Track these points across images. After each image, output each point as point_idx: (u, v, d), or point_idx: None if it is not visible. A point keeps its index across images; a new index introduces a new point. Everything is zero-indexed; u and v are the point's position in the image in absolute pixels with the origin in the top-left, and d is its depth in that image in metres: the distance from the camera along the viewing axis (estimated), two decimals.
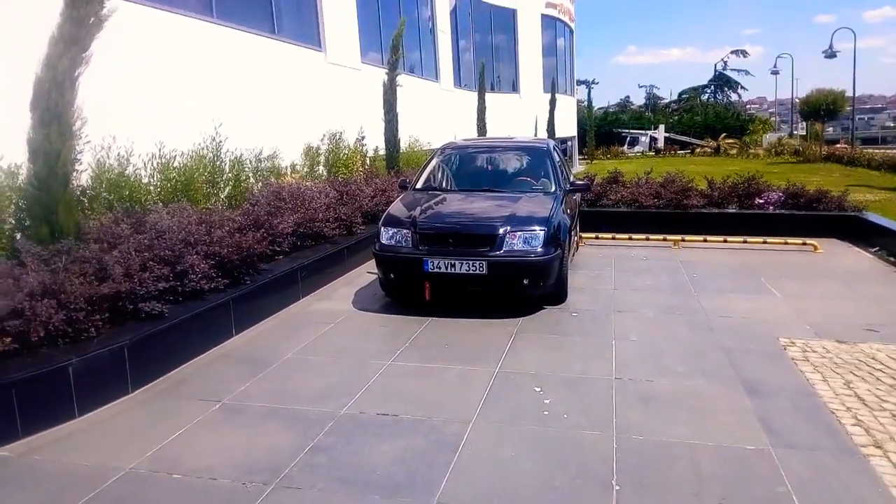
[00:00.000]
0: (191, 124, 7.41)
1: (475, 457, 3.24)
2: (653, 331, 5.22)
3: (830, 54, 31.74)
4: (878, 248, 8.21)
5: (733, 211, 9.70)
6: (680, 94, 65.16)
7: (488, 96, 19.47)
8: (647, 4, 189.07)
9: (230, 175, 7.84)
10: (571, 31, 32.14)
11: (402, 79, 12.41)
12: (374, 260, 6.11)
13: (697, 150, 43.02)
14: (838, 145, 37.05)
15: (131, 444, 3.37)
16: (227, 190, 7.79)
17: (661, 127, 48.13)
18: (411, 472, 3.09)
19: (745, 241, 8.63)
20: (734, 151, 39.48)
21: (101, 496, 2.93)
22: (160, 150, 6.75)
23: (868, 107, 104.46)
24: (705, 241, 8.85)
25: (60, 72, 4.74)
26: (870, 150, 32.70)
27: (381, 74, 12.25)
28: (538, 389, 4.06)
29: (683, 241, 8.89)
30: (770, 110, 78.06)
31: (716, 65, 66.34)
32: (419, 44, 17.63)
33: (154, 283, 4.39)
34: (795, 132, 40.19)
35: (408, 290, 5.90)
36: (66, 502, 2.87)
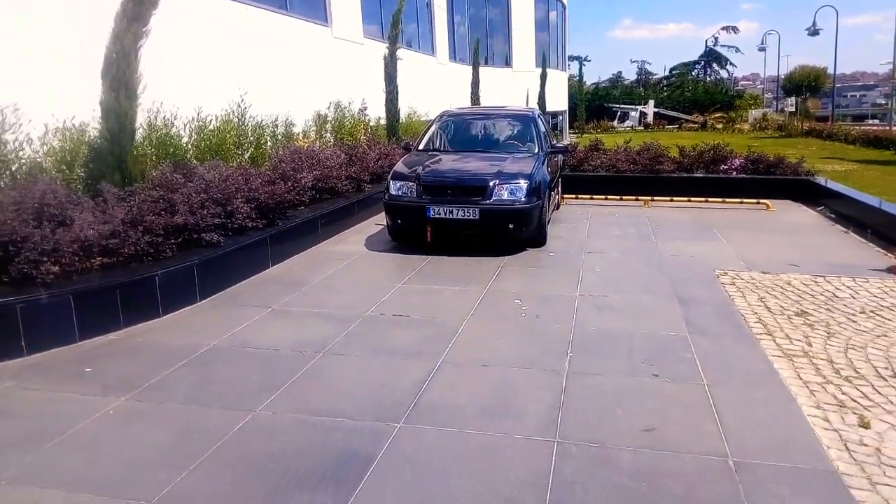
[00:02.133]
0: (221, 92, 8.39)
1: (468, 339, 4.37)
2: (614, 266, 6.35)
3: (813, 32, 32.66)
4: (822, 207, 9.36)
5: (700, 175, 10.79)
6: (671, 70, 66.01)
7: (482, 70, 20.37)
8: None
9: (252, 138, 8.85)
10: (564, 8, 32.86)
11: (401, 53, 13.34)
12: (382, 211, 7.19)
13: (685, 124, 44.02)
14: (817, 122, 38.11)
15: (209, 332, 4.48)
16: (249, 151, 8.81)
17: (651, 102, 49.07)
18: (422, 346, 4.21)
19: (706, 201, 9.78)
20: (720, 126, 40.54)
21: (195, 360, 4.03)
22: (198, 114, 7.76)
23: (860, 84, 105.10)
24: (672, 201, 9.98)
25: (126, 44, 5.73)
26: (847, 126, 33.78)
27: (381, 48, 13.18)
28: (518, 301, 5.19)
29: (653, 200, 10.01)
30: (762, 86, 78.96)
31: (707, 41, 67.08)
32: (416, 19, 18.47)
33: (211, 219, 5.46)
34: (785, 108, 41.24)
35: (412, 234, 6.98)
36: (169, 364, 3.96)
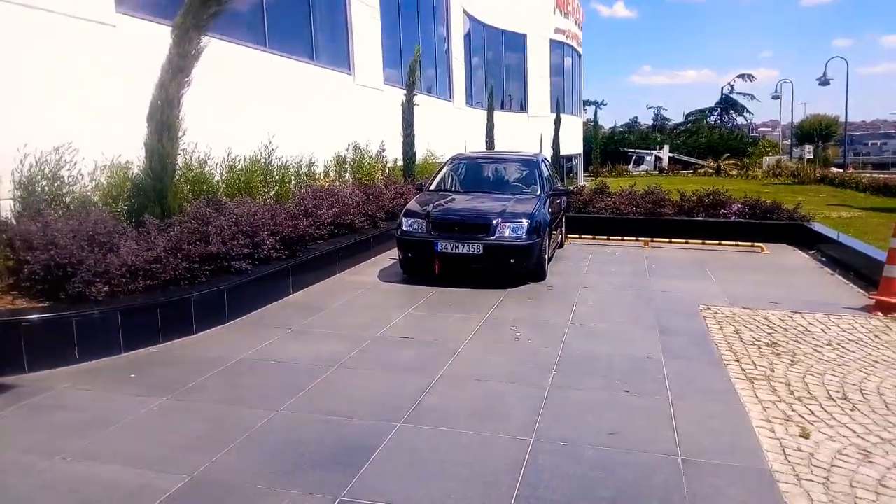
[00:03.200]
0: (250, 135, 9.17)
1: (466, 358, 4.91)
2: (607, 299, 6.88)
3: (824, 82, 33.39)
4: (814, 251, 9.82)
5: (700, 219, 11.31)
6: (686, 116, 66.96)
7: (497, 114, 21.22)
8: (664, 25, 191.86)
9: (277, 177, 9.58)
10: (579, 56, 34.01)
11: (419, 98, 14.16)
12: (395, 245, 7.81)
13: (699, 170, 44.54)
14: (833, 168, 38.49)
15: (237, 347, 5.06)
16: (275, 189, 9.53)
17: (666, 147, 49.81)
18: (424, 363, 4.76)
19: (703, 243, 10.29)
20: (734, 172, 40.99)
21: (225, 370, 4.61)
22: (228, 154, 8.50)
23: (881, 132, 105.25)
24: (671, 242, 10.51)
25: (170, 93, 6.47)
26: (858, 174, 34.10)
27: (400, 94, 14.01)
28: (514, 328, 5.73)
29: (653, 241, 10.55)
30: (779, 133, 79.65)
31: (722, 88, 68.12)
32: (435, 65, 19.45)
33: (240, 249, 6.10)
34: (803, 155, 41.69)
35: (422, 268, 7.57)
36: (203, 372, 4.54)
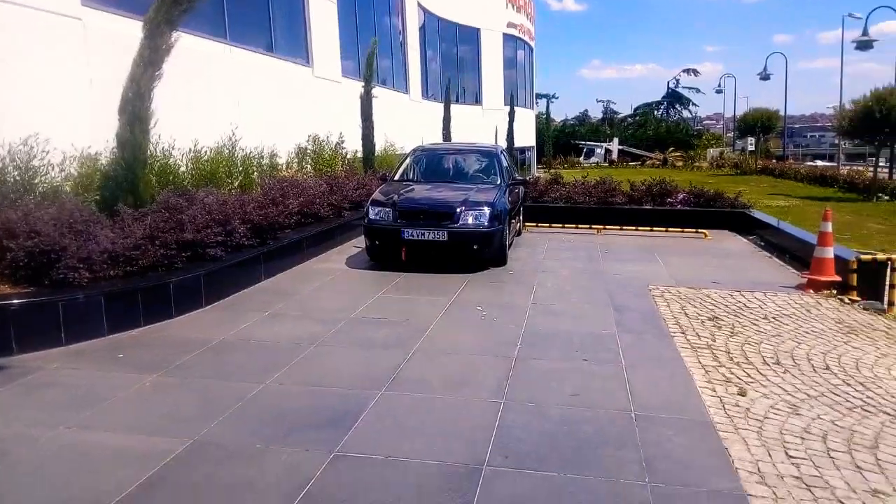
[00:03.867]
0: (213, 127, 9.28)
1: (436, 335, 5.26)
2: (564, 281, 7.33)
3: (765, 76, 34.88)
4: (754, 236, 10.52)
5: (648, 207, 11.92)
6: (635, 110, 68.67)
7: (453, 107, 21.57)
8: (613, 19, 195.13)
9: (241, 168, 9.71)
10: (531, 50, 34.62)
11: (376, 91, 14.38)
12: (361, 235, 8.08)
13: (647, 162, 45.89)
14: (775, 161, 40.21)
15: (218, 329, 5.29)
16: (239, 179, 9.67)
17: (616, 140, 51.12)
18: (398, 340, 5.09)
19: (651, 230, 10.88)
20: (680, 164, 42.44)
21: (209, 349, 4.84)
22: (194, 145, 8.62)
23: (819, 125, 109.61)
24: (622, 229, 11.07)
25: (142, 86, 6.60)
26: (797, 165, 35.74)
27: (358, 87, 14.22)
28: (479, 308, 6.10)
29: (605, 229, 11.09)
30: (723, 126, 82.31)
31: (669, 82, 70.06)
32: (391, 58, 19.66)
33: (214, 237, 6.30)
34: (746, 147, 43.38)
35: (389, 255, 7.86)
36: (188, 351, 4.77)
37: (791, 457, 3.37)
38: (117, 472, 3.07)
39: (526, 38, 32.67)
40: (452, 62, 26.77)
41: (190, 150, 8.57)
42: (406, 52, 20.79)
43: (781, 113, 37.69)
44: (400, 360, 4.63)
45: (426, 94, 22.77)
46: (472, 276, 7.43)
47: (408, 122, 19.52)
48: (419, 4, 22.17)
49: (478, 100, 28.44)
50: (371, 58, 14.13)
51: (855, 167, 30.69)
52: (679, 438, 3.53)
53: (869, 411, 4.01)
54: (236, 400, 3.89)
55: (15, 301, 4.70)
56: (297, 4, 13.40)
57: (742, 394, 4.20)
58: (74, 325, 4.85)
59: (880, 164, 23.36)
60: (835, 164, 34.90)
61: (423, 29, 22.81)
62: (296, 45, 13.24)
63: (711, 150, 44.95)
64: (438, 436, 3.49)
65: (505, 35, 29.78)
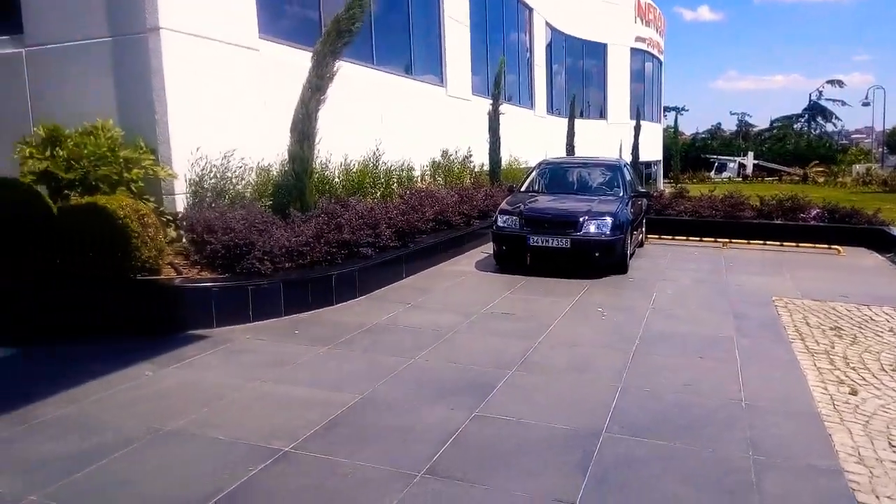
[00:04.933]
0: (360, 143, 10.37)
1: (560, 330, 5.82)
2: (684, 290, 7.62)
3: None
4: (891, 254, 10.15)
5: (779, 223, 11.75)
6: (772, 122, 64.99)
7: (577, 122, 21.93)
8: (750, 28, 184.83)
9: (383, 180, 10.75)
10: (660, 63, 34.12)
11: (503, 108, 15.12)
12: (488, 242, 8.77)
13: (785, 177, 43.45)
14: None
15: (370, 315, 6.17)
16: (381, 190, 10.70)
17: (751, 154, 48.82)
18: (525, 332, 5.71)
19: (781, 245, 10.77)
20: (822, 180, 39.81)
21: (365, 330, 5.70)
22: (345, 159, 9.73)
23: None
24: (749, 244, 11.04)
25: (310, 108, 7.70)
26: None
27: (485, 103, 15.03)
28: (600, 310, 6.59)
29: (731, 243, 11.10)
30: (874, 140, 75.98)
31: (811, 94, 65.76)
32: (518, 75, 20.38)
33: (366, 237, 7.24)
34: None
35: (514, 259, 8.50)
36: (350, 331, 5.65)
37: (893, 446, 3.63)
38: (306, 414, 3.91)
39: (654, 52, 32.29)
40: (578, 77, 27.07)
41: (341, 163, 9.69)
42: (532, 68, 21.44)
43: None
44: (527, 348, 5.25)
45: (551, 108, 23.27)
46: (593, 282, 7.90)
47: (532, 137, 20.12)
48: (547, 23, 22.76)
49: (602, 114, 28.52)
50: (499, 77, 14.90)
51: None
52: (785, 425, 3.89)
53: None
54: (392, 369, 4.68)
55: (215, 285, 5.80)
56: (433, 28, 14.45)
57: (853, 393, 4.44)
58: (259, 306, 5.89)
59: None
60: None
61: (549, 46, 23.37)
62: (431, 67, 14.28)
63: (857, 167, 41.74)
64: (562, 408, 4.08)
65: (633, 49, 29.65)
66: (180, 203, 7.17)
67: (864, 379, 4.72)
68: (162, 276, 5.89)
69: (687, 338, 5.64)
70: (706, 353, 5.23)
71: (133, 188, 6.56)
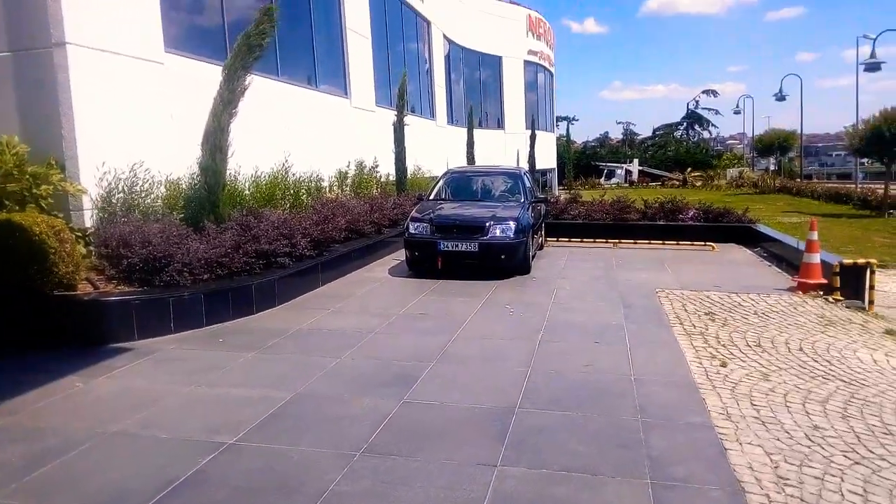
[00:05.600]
0: (268, 155, 10.51)
1: (473, 326, 6.33)
2: (581, 286, 8.36)
3: (780, 97, 35.66)
4: (758, 248, 11.45)
5: (661, 223, 12.90)
6: (654, 131, 69.53)
7: (476, 132, 22.80)
8: (634, 41, 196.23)
9: (293, 191, 10.93)
10: (551, 75, 35.89)
11: (407, 119, 15.62)
12: (399, 249, 9.20)
13: (667, 182, 46.64)
14: (794, 180, 40.77)
15: (293, 322, 6.42)
16: (290, 201, 10.87)
17: (636, 161, 52.02)
18: (441, 329, 6.17)
19: (663, 243, 11.87)
20: (699, 184, 43.10)
21: (290, 336, 5.96)
22: (255, 171, 9.86)
23: (843, 143, 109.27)
24: (636, 243, 12.08)
25: (222, 121, 7.84)
26: (814, 183, 36.29)
27: (389, 114, 15.48)
28: (508, 306, 7.17)
29: (620, 243, 12.11)
30: (747, 145, 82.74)
31: (688, 104, 70.94)
32: (419, 87, 20.96)
33: (283, 248, 7.47)
34: (767, 166, 44.06)
35: (426, 264, 8.96)
36: (274, 337, 5.89)
37: (754, 405, 4.37)
38: (244, 411, 4.17)
39: (546, 65, 33.96)
40: (476, 88, 28.08)
41: (251, 175, 9.81)
42: (432, 80, 22.11)
43: (799, 132, 38.33)
44: (445, 342, 5.71)
45: (451, 119, 24.03)
46: (499, 283, 8.50)
47: (434, 147, 20.75)
48: (445, 36, 23.54)
49: (500, 124, 29.69)
50: (403, 89, 15.39)
51: (871, 185, 31.19)
52: (667, 393, 4.55)
53: (828, 379, 4.97)
54: (321, 368, 5.00)
55: (135, 297, 5.88)
56: (336, 41, 14.73)
57: (723, 365, 5.20)
58: (180, 317, 6.01)
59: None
60: (856, 182, 35.43)
61: (447, 58, 24.16)
62: (336, 79, 14.55)
63: (731, 171, 45.61)
64: (480, 390, 4.56)
65: (526, 62, 31.09)
66: (88, 219, 7.12)
67: (732, 354, 5.51)
68: (79, 292, 5.89)
69: (585, 326, 6.30)
70: (601, 338, 5.89)
71: (43, 204, 6.48)
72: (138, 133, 7.95)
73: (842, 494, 3.24)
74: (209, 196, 7.73)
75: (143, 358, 5.32)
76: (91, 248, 6.84)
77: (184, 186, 8.27)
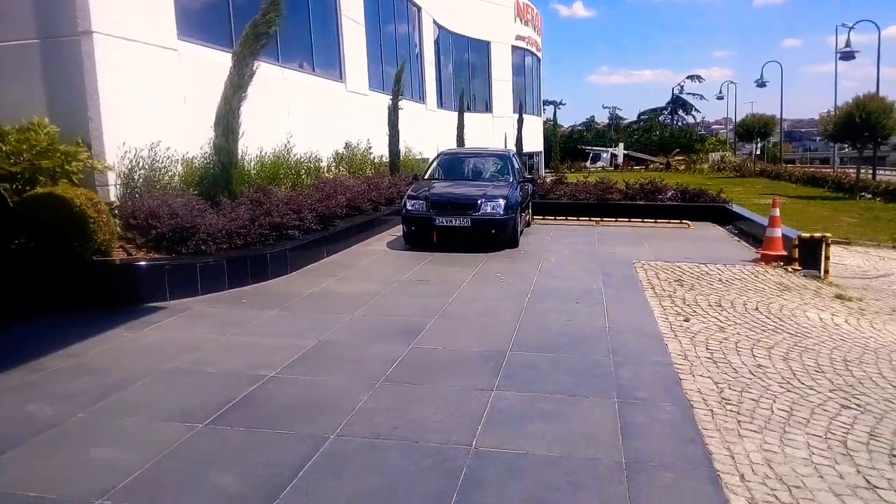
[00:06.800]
0: (271, 136, 11.14)
1: (468, 290, 7.07)
2: (565, 258, 9.13)
3: (761, 84, 36.57)
4: (730, 226, 12.27)
5: (641, 203, 13.68)
6: (639, 115, 70.44)
7: (466, 115, 23.43)
8: (622, 25, 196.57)
9: (294, 171, 11.56)
10: (539, 60, 36.48)
11: (400, 103, 16.23)
12: (396, 225, 9.89)
13: (651, 165, 47.55)
14: (776, 164, 41.84)
15: (305, 286, 7.13)
16: (292, 180, 11.51)
17: (621, 145, 52.85)
18: (440, 292, 6.90)
19: (643, 221, 12.67)
20: (682, 167, 44.08)
21: (304, 298, 6.67)
22: (260, 152, 10.49)
23: (818, 129, 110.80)
24: (617, 221, 12.87)
25: (233, 105, 8.47)
26: (792, 167, 37.33)
27: (381, 98, 16.12)
28: (499, 275, 7.92)
29: (603, 221, 12.89)
30: (731, 130, 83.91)
31: (673, 89, 71.81)
32: (409, 71, 21.48)
33: (293, 221, 8.14)
34: (751, 151, 45.13)
35: (422, 239, 9.68)
36: (291, 299, 6.59)
37: (709, 349, 5.16)
38: (277, 354, 4.89)
39: (533, 50, 34.55)
40: (464, 73, 28.65)
41: (256, 155, 10.44)
42: (422, 64, 22.68)
43: (780, 117, 39.26)
44: (443, 303, 6.45)
45: (440, 103, 24.63)
46: (490, 255, 9.24)
47: (424, 130, 21.37)
48: (434, 21, 24.07)
49: (488, 108, 30.31)
50: (399, 76, 15.99)
51: (846, 169, 32.25)
52: (636, 340, 5.33)
53: (776, 333, 5.76)
54: (337, 323, 5.72)
55: (168, 262, 6.55)
56: (332, 27, 15.29)
57: (686, 320, 5.99)
58: (206, 281, 6.70)
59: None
60: (833, 166, 36.49)
61: (437, 42, 24.70)
62: (331, 64, 15.13)
63: (713, 154, 46.61)
64: (476, 339, 5.31)
65: (513, 47, 31.68)
66: (112, 193, 7.74)
67: (694, 312, 6.30)
68: (114, 258, 6.55)
69: (567, 291, 7.07)
70: (582, 300, 6.66)
71: (75, 180, 7.11)
72: (155, 115, 8.55)
73: (772, 411, 4.03)
74: (223, 174, 8.38)
75: (177, 314, 6.01)
76: (116, 219, 7.48)
77: (196, 165, 8.90)
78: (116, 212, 7.46)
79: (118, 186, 7.82)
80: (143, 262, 6.50)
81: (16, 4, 7.44)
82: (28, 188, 6.90)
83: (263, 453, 3.37)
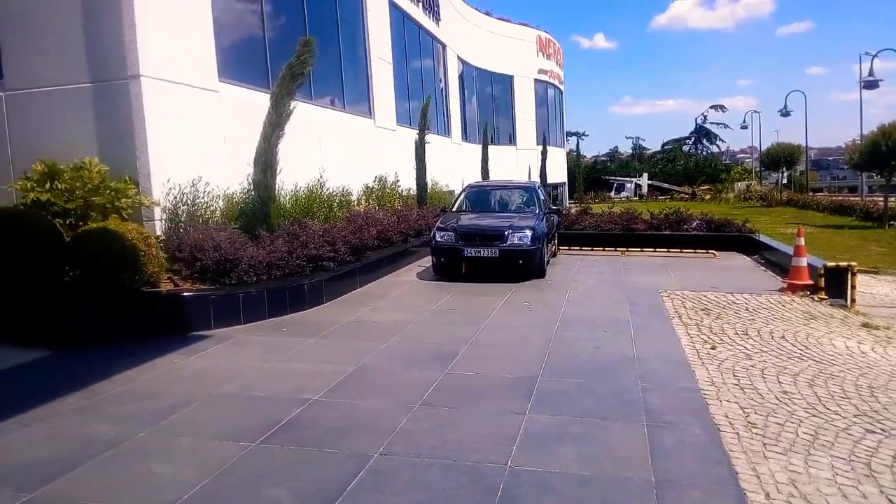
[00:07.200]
0: (305, 171, 11.57)
1: (497, 319, 7.28)
2: (592, 288, 9.31)
3: (785, 113, 36.56)
4: (757, 256, 12.34)
5: (666, 233, 13.82)
6: (663, 145, 70.47)
7: (490, 148, 23.85)
8: (643, 56, 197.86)
9: (327, 204, 11.96)
10: (561, 92, 37.02)
11: (427, 137, 16.67)
12: (424, 256, 10.18)
13: (676, 195, 47.49)
14: (811, 193, 41.49)
15: (340, 316, 7.41)
16: (325, 213, 11.90)
17: (645, 175, 52.95)
18: (469, 321, 7.13)
19: (668, 251, 12.80)
20: (708, 197, 43.95)
21: (340, 327, 6.94)
22: (295, 186, 10.90)
23: (844, 158, 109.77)
24: (642, 251, 13.01)
25: (271, 142, 8.88)
26: (818, 196, 37.04)
27: (408, 132, 16.57)
28: (527, 304, 8.12)
29: (628, 251, 13.04)
30: (756, 159, 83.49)
31: (696, 119, 71.88)
32: (434, 105, 22.02)
33: (328, 253, 8.46)
34: (778, 180, 44.91)
35: (451, 270, 9.94)
36: (328, 327, 6.86)
37: (735, 376, 5.29)
38: (319, 379, 5.14)
39: (555, 83, 35.10)
40: (488, 106, 29.22)
41: (291, 190, 10.85)
42: (447, 98, 23.24)
43: (807, 147, 39.09)
44: (474, 332, 6.67)
45: (465, 136, 25.12)
46: (518, 285, 9.45)
47: (450, 163, 21.81)
48: (458, 57, 24.69)
49: (512, 140, 30.78)
50: (425, 111, 16.46)
51: (874, 198, 31.92)
52: (663, 367, 5.49)
53: (802, 360, 5.87)
54: (373, 349, 5.98)
55: (213, 293, 6.89)
56: (361, 66, 15.85)
57: (713, 348, 6.13)
58: (248, 311, 7.01)
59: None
60: (861, 195, 36.14)
61: (461, 77, 25.30)
62: (361, 101, 15.66)
63: (739, 184, 46.42)
64: (508, 365, 5.52)
65: (536, 80, 32.25)
66: (158, 227, 8.16)
67: (721, 340, 6.44)
68: (162, 289, 6.91)
69: (594, 319, 7.24)
70: (609, 328, 6.84)
71: (124, 215, 7.53)
72: (197, 152, 9.01)
73: (797, 434, 4.16)
74: (262, 208, 8.76)
75: (223, 342, 6.32)
76: (162, 252, 7.87)
77: (236, 200, 9.31)
78: (162, 245, 7.85)
79: (164, 221, 8.24)
80: (189, 293, 6.84)
81: (70, 50, 7.97)
82: (81, 223, 7.35)
83: (312, 470, 3.60)
